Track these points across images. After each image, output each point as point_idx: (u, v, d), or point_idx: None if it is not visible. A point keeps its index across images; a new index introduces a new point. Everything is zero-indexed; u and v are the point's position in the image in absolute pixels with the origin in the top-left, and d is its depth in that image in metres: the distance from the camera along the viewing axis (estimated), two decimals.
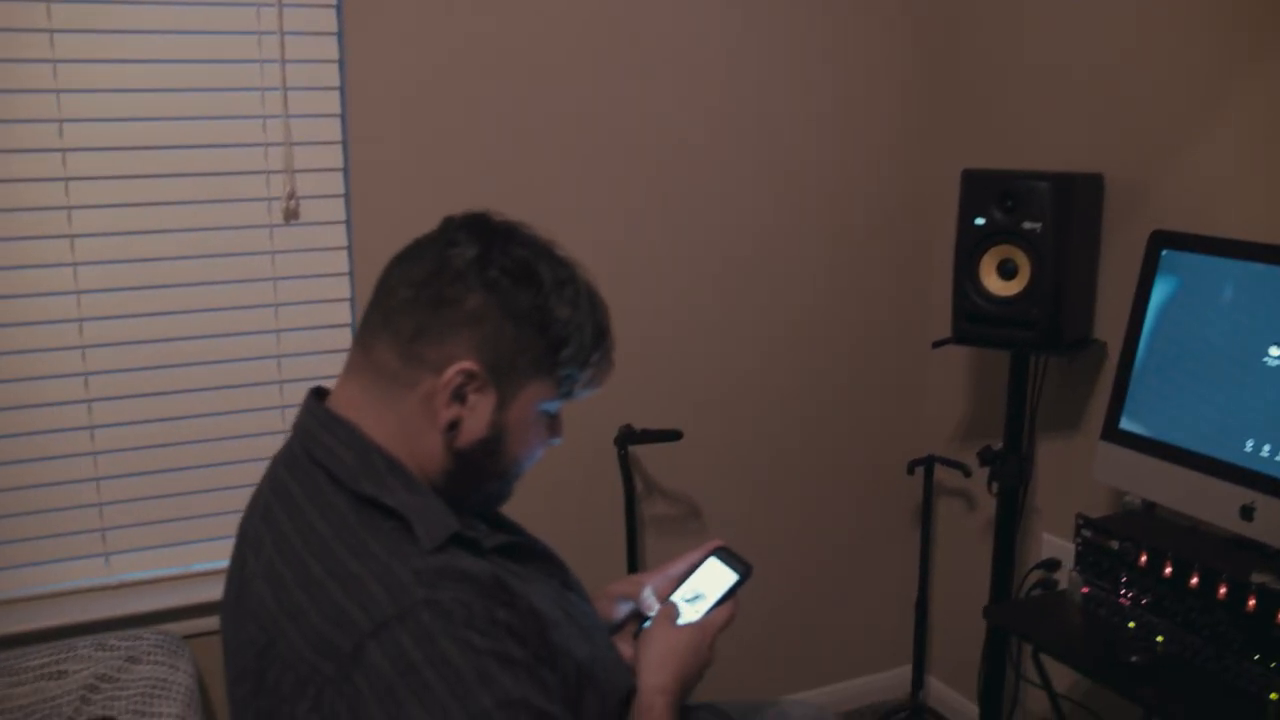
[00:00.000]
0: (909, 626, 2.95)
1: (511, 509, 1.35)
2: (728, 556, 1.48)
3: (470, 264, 1.16)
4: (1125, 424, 2.03)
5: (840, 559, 2.94)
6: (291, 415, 2.30)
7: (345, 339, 2.37)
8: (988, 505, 2.79)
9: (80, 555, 2.27)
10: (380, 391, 1.17)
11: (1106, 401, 2.35)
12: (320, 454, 1.15)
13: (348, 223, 2.32)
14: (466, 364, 1.14)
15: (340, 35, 2.23)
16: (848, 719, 2.97)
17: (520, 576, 1.16)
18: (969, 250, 2.27)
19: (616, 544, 2.55)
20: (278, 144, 2.23)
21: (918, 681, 2.95)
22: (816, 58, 2.67)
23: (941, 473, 2.86)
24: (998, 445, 2.44)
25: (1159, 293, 2.00)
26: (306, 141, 2.26)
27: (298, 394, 2.33)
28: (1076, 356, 2.39)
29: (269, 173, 2.24)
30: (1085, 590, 2.01)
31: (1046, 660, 2.49)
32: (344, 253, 2.34)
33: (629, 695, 1.26)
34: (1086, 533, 2.00)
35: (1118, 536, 1.94)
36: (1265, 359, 1.81)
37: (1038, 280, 2.19)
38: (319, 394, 1.24)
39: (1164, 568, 1.86)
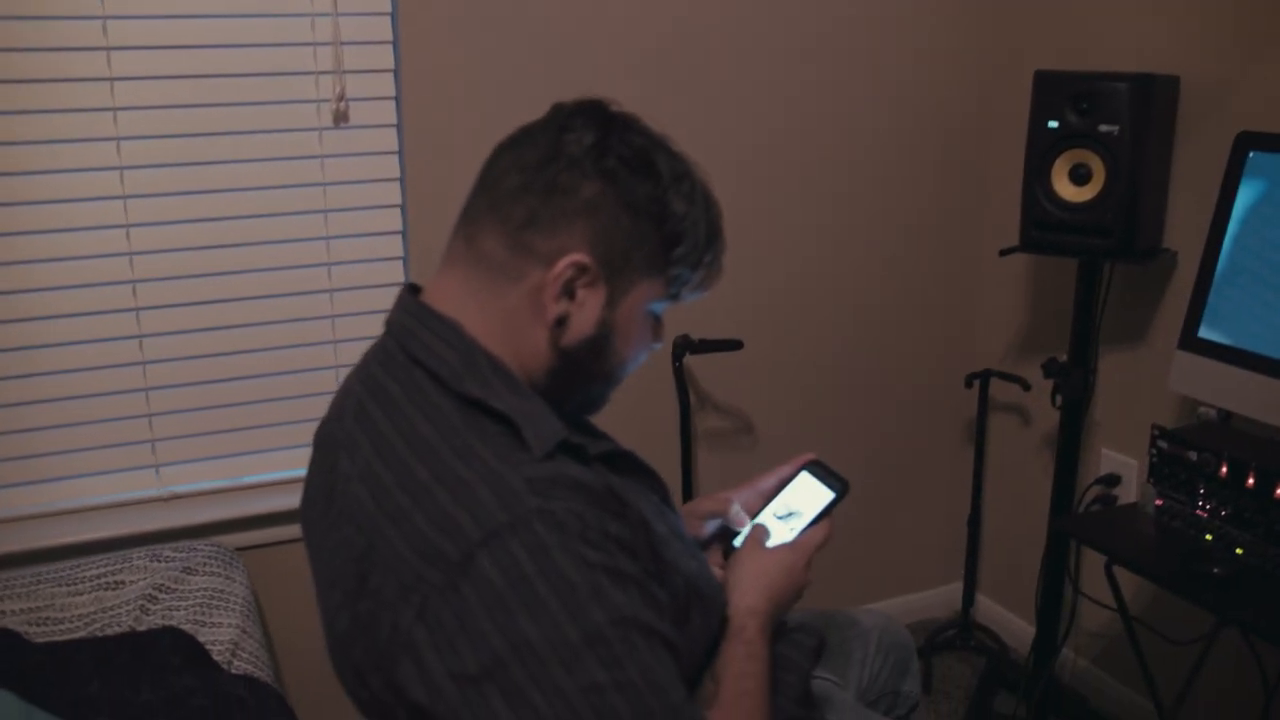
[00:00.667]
0: (960, 543, 2.92)
1: None
2: (822, 471, 1.43)
3: (587, 151, 1.09)
4: (1204, 332, 1.97)
5: (892, 475, 2.90)
6: (343, 325, 2.32)
7: (396, 247, 2.32)
8: (1044, 421, 2.75)
9: (131, 467, 2.25)
10: (483, 284, 1.11)
11: (1173, 313, 2.31)
12: (420, 353, 1.10)
13: (398, 127, 2.25)
14: (579, 256, 1.08)
15: None
16: None
17: (624, 489, 1.12)
18: (1041, 155, 2.19)
19: (670, 459, 2.51)
20: (326, 43, 2.15)
21: (968, 599, 2.93)
22: None
23: (996, 388, 2.81)
24: (1057, 358, 2.39)
25: (1244, 196, 1.93)
26: (356, 41, 2.18)
27: (348, 303, 2.31)
28: (1148, 265, 2.32)
29: (318, 74, 2.17)
30: (1159, 503, 1.97)
31: (1102, 579, 2.47)
32: (394, 158, 2.27)
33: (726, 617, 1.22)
34: (1162, 444, 1.95)
35: (1196, 448, 1.89)
36: None
37: (1113, 185, 2.12)
38: (414, 289, 1.18)
39: (1246, 478, 1.81)
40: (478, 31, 2.23)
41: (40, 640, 1.84)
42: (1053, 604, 2.49)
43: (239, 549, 2.24)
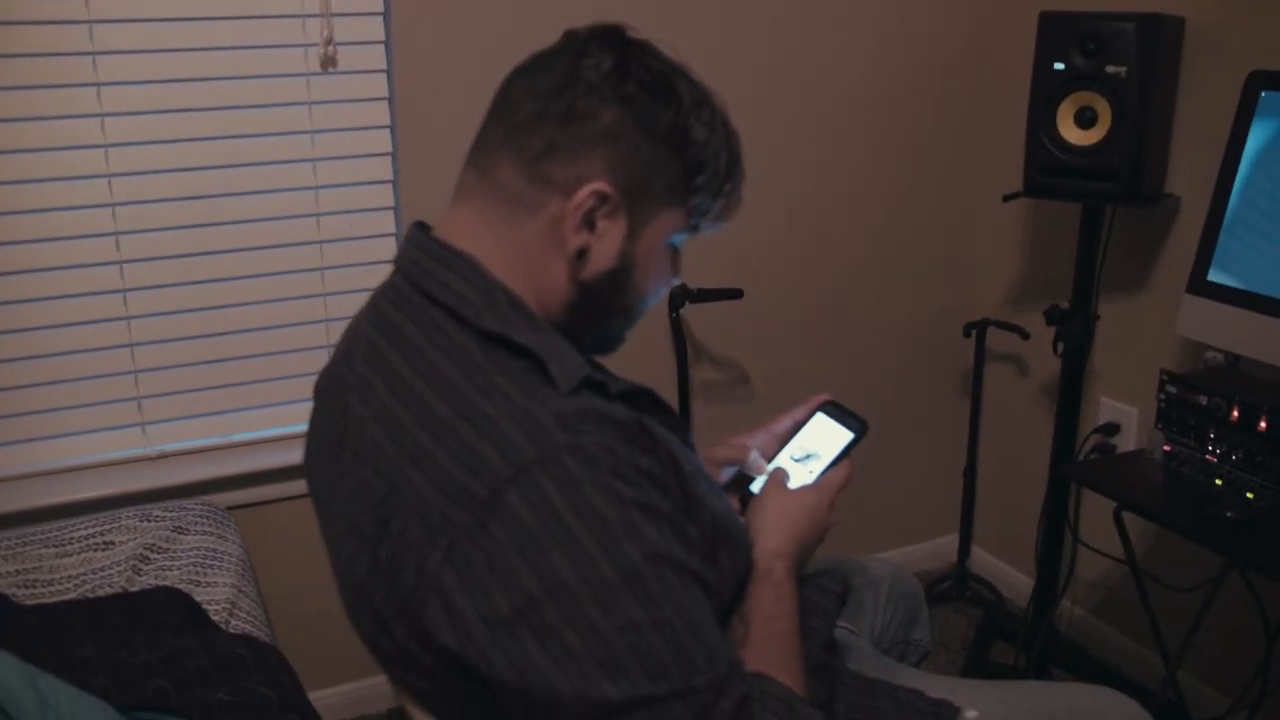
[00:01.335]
0: (956, 495, 2.91)
1: None
2: (838, 412, 1.39)
3: (606, 76, 1.05)
4: (1214, 276, 1.94)
5: (889, 427, 2.88)
6: (332, 278, 2.26)
7: (388, 196, 2.26)
8: (1041, 371, 2.73)
9: (117, 426, 2.19)
10: (500, 216, 1.07)
11: (1174, 260, 2.29)
12: (437, 290, 1.05)
13: (388, 72, 2.19)
14: (599, 185, 1.04)
15: None
16: None
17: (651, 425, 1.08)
18: (1046, 97, 2.16)
19: None
20: None
21: (964, 550, 2.92)
22: None
23: (993, 338, 2.79)
24: (1059, 305, 2.36)
25: (1255, 138, 1.90)
26: None
27: (339, 255, 2.26)
28: (1152, 210, 2.29)
29: (304, 17, 2.10)
30: (1167, 449, 1.96)
31: (1101, 528, 2.46)
32: (385, 104, 2.21)
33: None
34: (1171, 389, 1.93)
35: (1206, 391, 1.87)
36: None
37: (1119, 128, 2.09)
38: (423, 226, 1.14)
39: (1258, 422, 1.79)
40: None
41: (29, 603, 1.79)
42: (1053, 552, 2.47)
43: (230, 508, 2.20)
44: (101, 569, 1.92)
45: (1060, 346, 2.36)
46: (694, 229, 1.15)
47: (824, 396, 1.43)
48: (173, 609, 1.76)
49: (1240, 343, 1.92)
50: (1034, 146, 2.20)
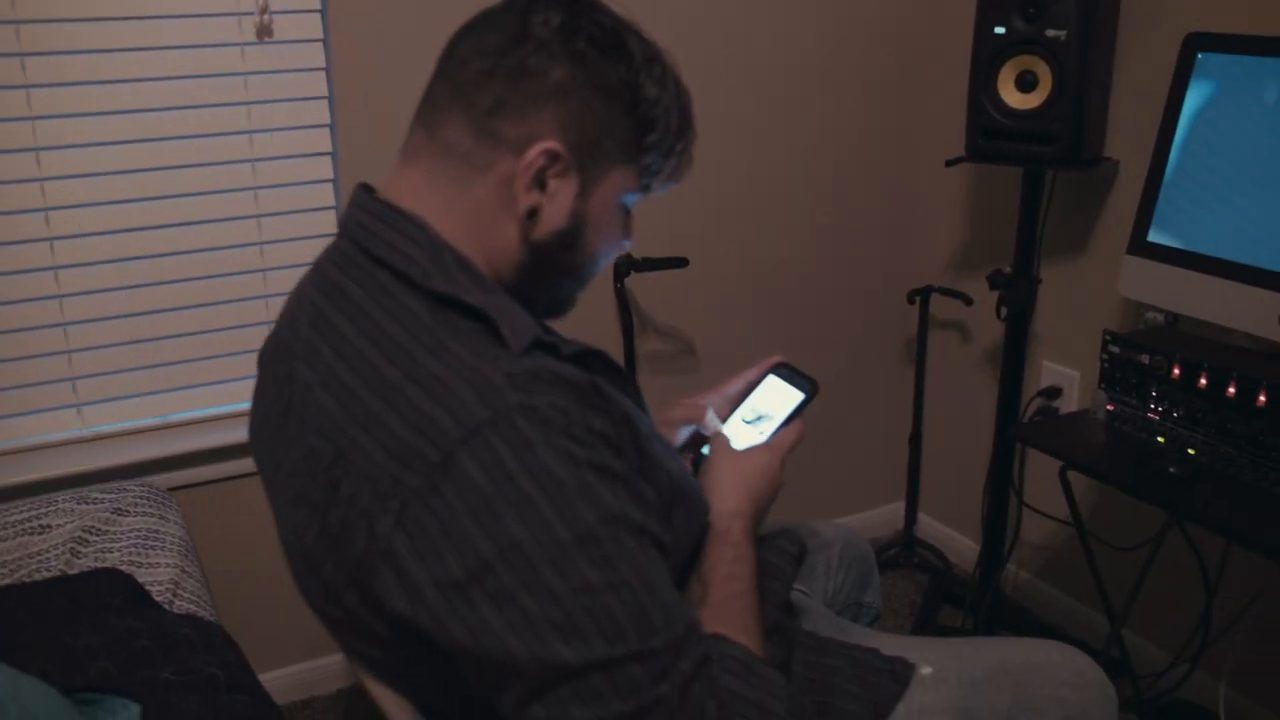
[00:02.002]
0: (902, 462, 2.93)
1: None
2: (789, 373, 1.39)
3: (556, 32, 1.03)
4: (1154, 236, 1.96)
5: (834, 395, 2.88)
6: (271, 253, 2.22)
7: (326, 168, 2.22)
8: (984, 337, 2.75)
9: (50, 407, 2.14)
10: (449, 176, 1.05)
11: (1113, 223, 2.32)
12: (383, 251, 1.03)
13: (325, 41, 2.14)
14: (550, 143, 1.02)
15: None
16: None
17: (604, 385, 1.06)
18: (987, 61, 2.16)
19: None
20: None
21: (910, 517, 2.94)
22: None
23: (936, 304, 2.80)
24: (1002, 269, 2.37)
25: (1193, 99, 1.92)
26: None
27: (277, 229, 2.21)
28: (1092, 173, 2.31)
29: None
30: (1110, 408, 1.98)
31: (1045, 492, 2.49)
32: (322, 74, 2.16)
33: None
34: (1114, 349, 1.96)
35: (1148, 350, 1.90)
36: None
37: (1060, 92, 2.10)
38: (367, 188, 1.11)
39: (1198, 379, 1.82)
40: None
41: None
42: (999, 516, 2.50)
43: (171, 489, 2.15)
44: (38, 553, 1.87)
45: (1004, 311, 2.38)
46: (646, 188, 1.13)
47: (776, 358, 1.43)
48: (114, 591, 1.72)
49: (1180, 302, 1.94)
50: (976, 111, 2.20)
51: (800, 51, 2.60)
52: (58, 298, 2.07)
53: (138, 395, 2.20)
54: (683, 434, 1.37)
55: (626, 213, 1.15)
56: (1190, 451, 1.83)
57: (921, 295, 2.73)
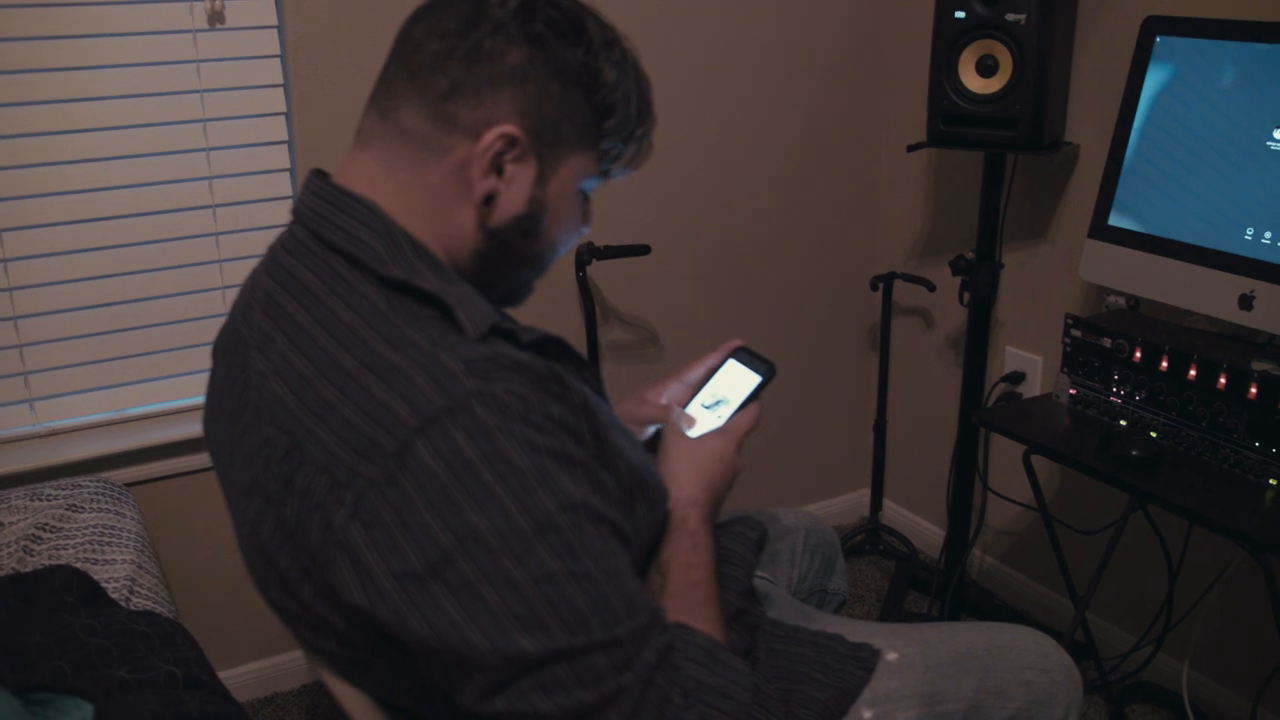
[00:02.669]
0: (867, 449, 2.93)
1: None
2: (748, 357, 1.39)
3: (513, 14, 1.01)
4: (1114, 220, 1.97)
5: (798, 382, 2.89)
6: (228, 243, 2.18)
7: (283, 157, 2.18)
8: (947, 323, 2.76)
9: (2, 403, 2.09)
10: (403, 162, 1.03)
11: (1074, 208, 2.33)
12: (337, 237, 1.01)
13: (279, 28, 2.10)
14: (507, 128, 1.00)
15: None
16: None
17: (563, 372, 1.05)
18: (947, 46, 2.16)
19: None
20: None
21: (876, 504, 2.95)
22: None
23: (899, 291, 2.80)
24: (965, 255, 2.38)
25: (1151, 82, 1.92)
26: None
27: (233, 219, 2.18)
28: (1053, 158, 2.32)
29: None
30: (1073, 391, 1.99)
31: (1009, 478, 2.50)
32: (277, 61, 2.12)
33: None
34: (1076, 332, 1.96)
35: (1109, 334, 1.91)
36: (1268, 143, 1.75)
37: (1020, 76, 2.10)
38: (321, 174, 1.09)
39: (1160, 362, 1.83)
40: None
41: None
42: (964, 502, 2.50)
43: (128, 484, 2.12)
44: None
45: (966, 296, 2.38)
46: (605, 174, 1.12)
47: (736, 342, 1.42)
48: (69, 588, 1.69)
49: (1141, 285, 1.95)
50: (937, 96, 2.20)
51: (761, 37, 2.59)
52: (8, 291, 2.03)
53: (93, 390, 2.16)
54: (648, 434, 1.36)
55: (585, 199, 1.13)
56: (1153, 434, 1.84)
57: (884, 281, 2.73)
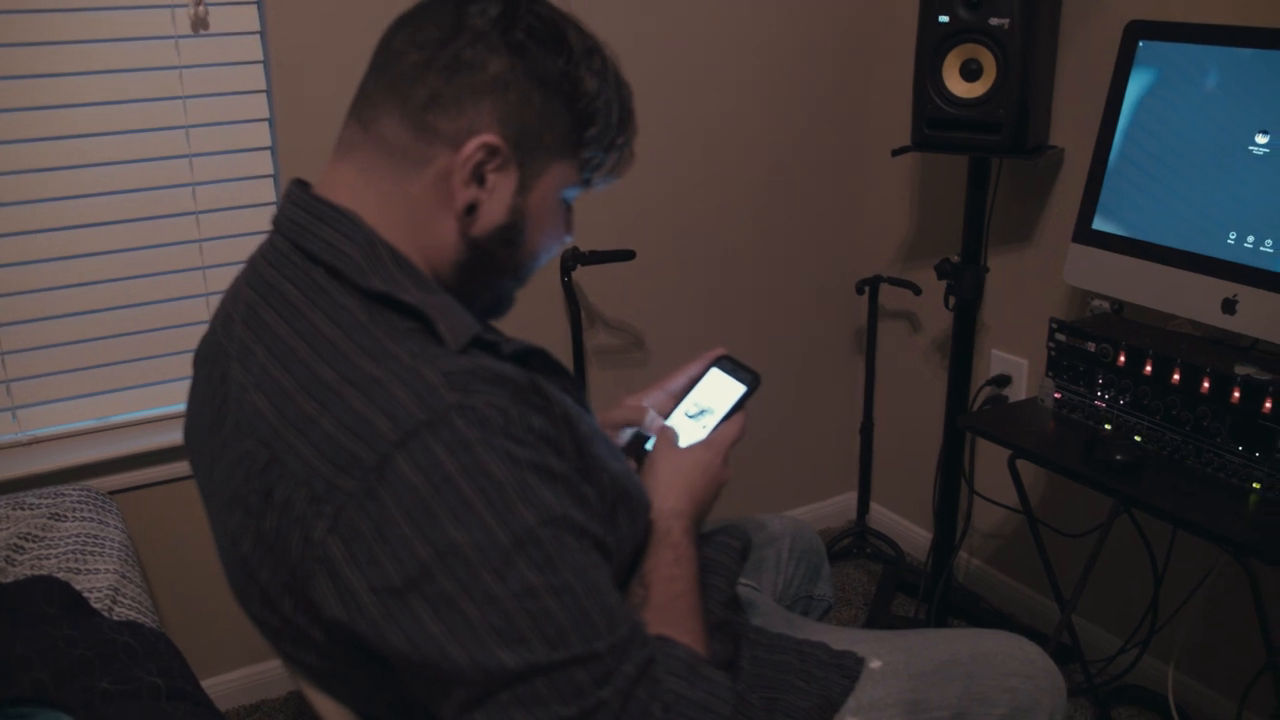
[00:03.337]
0: (853, 452, 2.93)
1: None
2: (731, 366, 1.38)
3: (494, 23, 1.00)
4: (1098, 224, 1.97)
5: (784, 386, 2.89)
6: (211, 250, 2.17)
7: (266, 164, 2.18)
8: (933, 326, 2.76)
9: None
10: (384, 173, 1.02)
11: (1058, 212, 2.33)
12: (317, 248, 1.00)
13: (262, 34, 2.10)
14: (488, 137, 1.00)
15: None
16: None
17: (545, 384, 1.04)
18: (931, 50, 2.16)
19: None
20: None
21: (863, 507, 2.95)
22: None
23: (885, 294, 2.81)
24: (950, 259, 2.38)
25: (1135, 87, 1.93)
26: None
27: (216, 225, 2.17)
28: (1037, 162, 2.32)
29: None
30: (1058, 395, 1.99)
31: (996, 480, 2.50)
32: (260, 67, 2.12)
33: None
34: (1060, 336, 1.96)
35: (1094, 338, 1.91)
36: (1251, 147, 1.76)
37: (1004, 80, 2.10)
38: (302, 184, 1.08)
39: (1144, 366, 1.83)
40: None
41: None
42: (950, 505, 2.51)
43: (112, 492, 2.11)
44: None
45: (952, 300, 2.39)
46: (587, 183, 1.11)
47: (719, 351, 1.42)
48: (51, 599, 1.68)
49: (1126, 289, 1.95)
50: (921, 100, 2.20)
51: (745, 42, 2.59)
52: None
53: (76, 397, 2.15)
54: (625, 435, 1.35)
55: (567, 208, 1.13)
56: (1137, 438, 1.85)
57: (870, 285, 2.73)
